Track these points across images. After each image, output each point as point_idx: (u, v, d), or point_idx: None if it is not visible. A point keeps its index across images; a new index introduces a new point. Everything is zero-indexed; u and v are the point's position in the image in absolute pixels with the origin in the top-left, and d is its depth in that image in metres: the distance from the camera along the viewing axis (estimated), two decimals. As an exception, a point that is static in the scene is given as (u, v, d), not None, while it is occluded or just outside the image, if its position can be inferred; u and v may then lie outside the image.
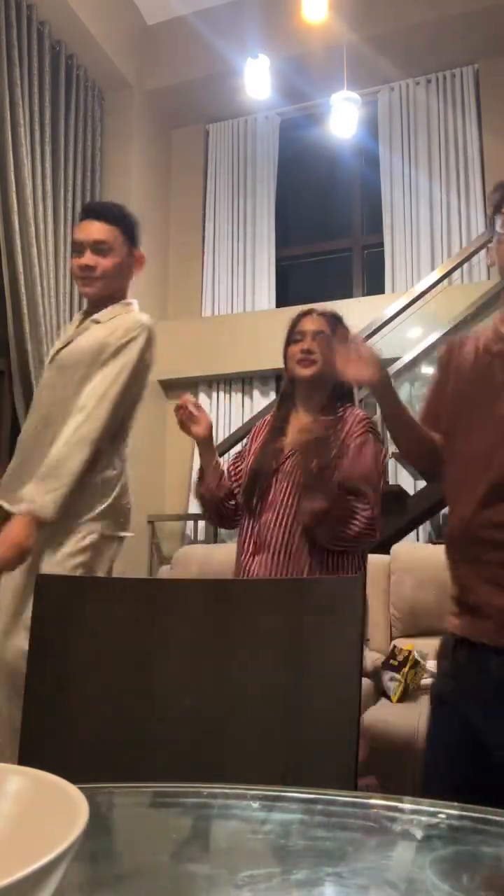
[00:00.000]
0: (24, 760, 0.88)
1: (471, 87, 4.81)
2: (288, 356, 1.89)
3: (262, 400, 4.85)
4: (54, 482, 1.69)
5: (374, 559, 3.24)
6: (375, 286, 4.95)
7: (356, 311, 4.54)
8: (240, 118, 5.31)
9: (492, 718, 1.19)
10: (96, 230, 1.87)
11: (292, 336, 1.89)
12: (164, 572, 3.66)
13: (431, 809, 0.65)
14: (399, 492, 3.89)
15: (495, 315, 1.41)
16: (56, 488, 1.69)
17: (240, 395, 4.90)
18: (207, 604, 0.99)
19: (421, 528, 4.19)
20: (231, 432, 4.60)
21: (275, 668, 0.92)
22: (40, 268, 4.03)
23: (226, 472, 1.93)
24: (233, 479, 1.92)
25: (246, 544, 1.78)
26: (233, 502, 1.89)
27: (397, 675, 2.63)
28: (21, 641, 1.56)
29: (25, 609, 1.58)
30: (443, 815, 0.65)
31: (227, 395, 4.96)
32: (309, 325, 1.87)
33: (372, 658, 2.76)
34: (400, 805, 0.68)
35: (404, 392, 4.54)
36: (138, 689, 0.95)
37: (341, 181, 5.33)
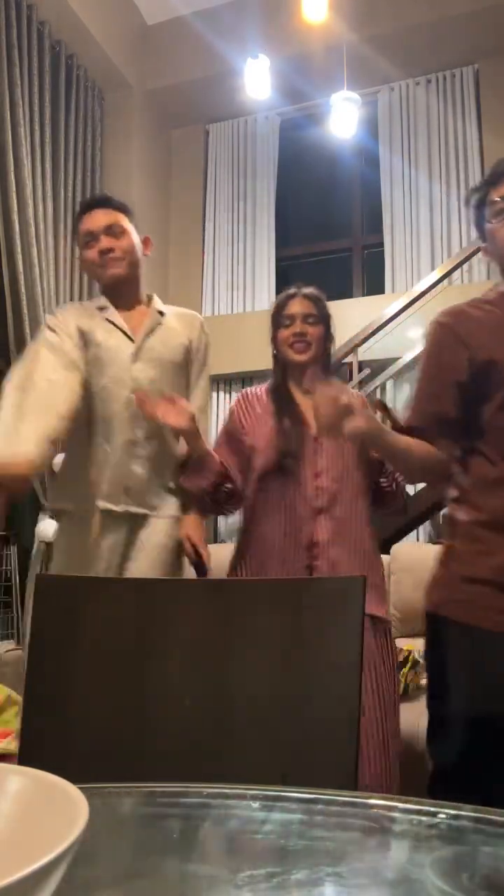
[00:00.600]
0: (24, 760, 0.88)
1: (471, 87, 4.82)
2: (278, 341, 1.87)
3: (262, 400, 4.85)
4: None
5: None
6: (375, 286, 4.96)
7: (356, 311, 4.55)
8: (240, 118, 5.31)
9: None
10: (104, 216, 1.86)
11: (280, 320, 1.86)
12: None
13: (431, 809, 0.65)
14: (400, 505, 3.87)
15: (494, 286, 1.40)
16: None
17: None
18: (207, 604, 0.99)
19: (421, 528, 4.19)
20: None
21: (275, 668, 0.92)
22: (40, 268, 4.03)
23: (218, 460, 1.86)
24: (231, 469, 1.84)
25: (298, 509, 1.74)
26: (228, 486, 1.82)
27: (397, 676, 2.63)
28: None
29: None
30: (443, 815, 0.65)
31: (227, 395, 4.96)
32: (297, 307, 1.85)
33: (372, 658, 2.76)
34: (400, 805, 0.68)
35: (405, 393, 4.54)
36: (138, 689, 0.95)
37: (341, 181, 5.33)
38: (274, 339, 1.89)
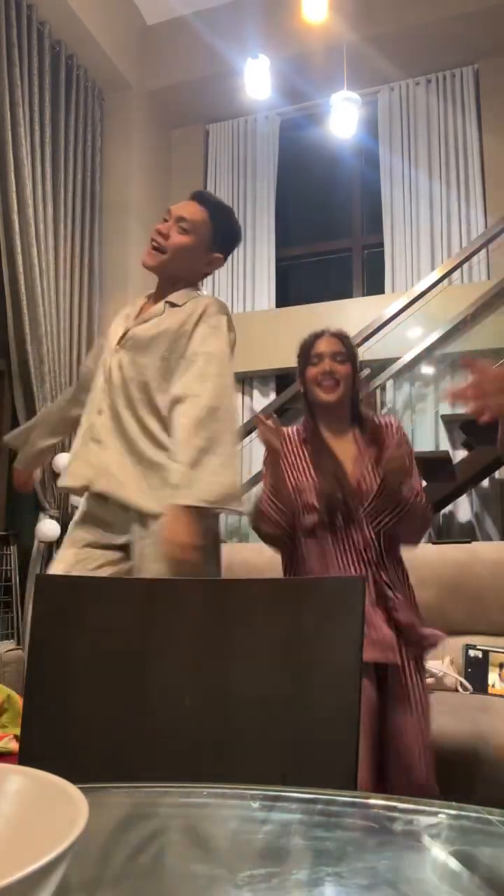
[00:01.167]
0: (24, 760, 0.88)
1: (471, 87, 4.82)
2: (307, 379, 1.87)
3: (262, 400, 4.85)
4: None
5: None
6: (375, 286, 4.96)
7: (356, 311, 4.55)
8: (240, 118, 5.31)
9: None
10: (187, 208, 1.82)
11: (309, 359, 1.86)
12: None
13: (431, 809, 0.65)
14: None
15: None
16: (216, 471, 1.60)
17: (239, 395, 4.90)
18: (207, 604, 0.99)
19: (421, 528, 4.18)
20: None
21: (275, 669, 0.92)
22: (40, 268, 4.03)
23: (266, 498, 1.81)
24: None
25: (338, 563, 1.72)
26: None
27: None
28: None
29: None
30: (443, 815, 0.65)
31: (227, 395, 4.96)
32: (325, 346, 1.85)
33: (372, 658, 2.75)
34: (400, 805, 0.68)
35: (404, 392, 4.54)
36: (138, 689, 0.95)
37: (341, 181, 5.33)
38: (302, 378, 1.89)
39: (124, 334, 1.82)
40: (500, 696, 2.59)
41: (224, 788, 0.71)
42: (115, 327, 1.87)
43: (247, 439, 4.56)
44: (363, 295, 5.09)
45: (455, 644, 2.88)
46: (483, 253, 4.46)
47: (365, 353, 4.31)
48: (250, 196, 5.23)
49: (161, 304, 1.82)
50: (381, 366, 4.37)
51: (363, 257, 5.24)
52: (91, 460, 1.74)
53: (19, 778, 0.41)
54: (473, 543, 3.17)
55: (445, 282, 4.21)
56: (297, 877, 0.52)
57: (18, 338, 3.90)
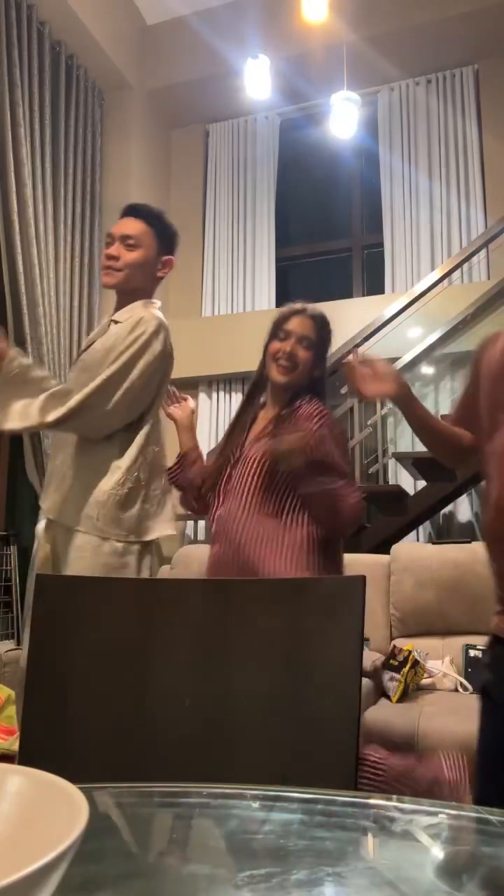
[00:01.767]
0: (24, 760, 0.88)
1: (471, 87, 4.82)
2: (268, 352, 1.85)
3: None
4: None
5: (374, 559, 3.25)
6: (375, 286, 4.96)
7: (356, 311, 4.55)
8: (240, 118, 5.31)
9: None
10: (127, 225, 1.94)
11: (277, 332, 1.84)
12: (165, 572, 3.66)
13: (431, 809, 0.65)
14: (399, 492, 3.89)
15: None
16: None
17: (240, 395, 4.90)
18: (207, 604, 0.99)
19: (421, 528, 4.19)
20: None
21: (275, 668, 0.92)
22: (40, 268, 4.03)
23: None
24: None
25: (213, 532, 1.83)
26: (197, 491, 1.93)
27: (397, 675, 2.64)
28: None
29: None
30: (443, 815, 0.65)
31: (227, 395, 4.96)
32: (297, 326, 1.82)
33: (372, 658, 2.76)
34: (400, 805, 0.68)
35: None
36: (138, 688, 0.95)
37: (341, 181, 5.33)
38: (265, 348, 1.87)
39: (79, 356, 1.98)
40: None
41: (224, 788, 0.71)
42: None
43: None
44: (363, 295, 5.09)
45: (455, 644, 2.89)
46: (483, 253, 4.46)
47: (365, 353, 4.32)
48: (250, 196, 5.23)
49: (106, 324, 1.96)
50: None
51: (363, 257, 5.24)
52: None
53: (19, 778, 0.41)
54: (473, 543, 3.17)
55: (445, 282, 4.21)
56: (297, 877, 0.52)
57: (18, 338, 3.90)
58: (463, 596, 2.89)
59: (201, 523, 4.68)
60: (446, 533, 4.27)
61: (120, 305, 1.98)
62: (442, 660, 2.81)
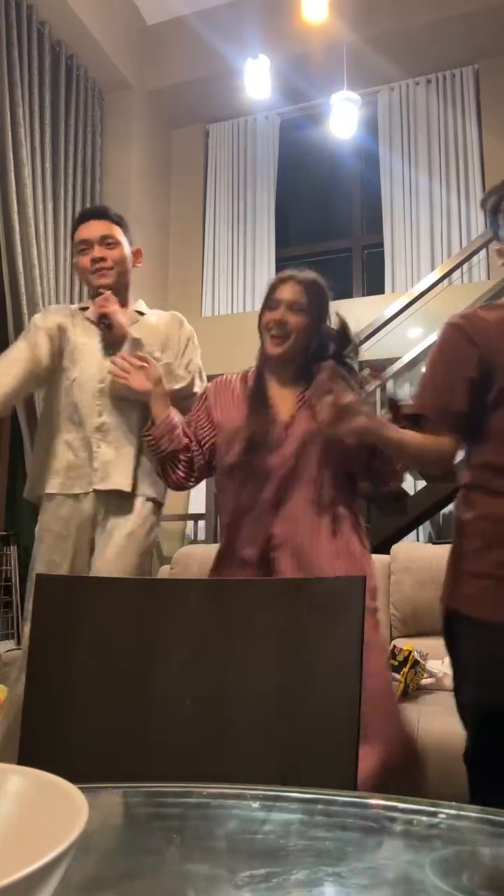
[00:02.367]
0: (24, 760, 0.88)
1: (471, 87, 4.82)
2: (261, 325, 1.78)
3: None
4: None
5: (374, 559, 3.24)
6: (375, 286, 4.96)
7: (356, 311, 4.54)
8: (240, 118, 5.31)
9: None
10: (100, 227, 2.01)
11: (268, 302, 1.77)
12: (164, 572, 3.66)
13: (431, 809, 0.65)
14: (399, 492, 3.89)
15: None
16: None
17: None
18: (207, 604, 0.99)
19: (421, 528, 4.19)
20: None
21: (275, 668, 0.92)
22: (40, 268, 4.03)
23: (181, 429, 1.81)
24: (193, 440, 1.81)
25: (258, 502, 1.67)
26: (186, 457, 1.80)
27: (397, 675, 2.63)
28: None
29: None
30: (443, 815, 0.65)
31: (227, 395, 4.96)
32: (286, 293, 1.74)
33: (372, 658, 2.76)
34: (400, 805, 0.68)
35: (405, 392, 4.54)
36: (138, 689, 0.95)
37: (341, 181, 5.33)
38: (258, 322, 1.80)
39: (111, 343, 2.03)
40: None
41: (224, 788, 0.71)
42: (84, 334, 2.03)
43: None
44: (363, 295, 5.10)
45: (455, 644, 2.88)
46: (483, 253, 4.46)
47: (365, 353, 4.32)
48: (250, 196, 5.23)
49: (132, 314, 2.07)
50: (381, 366, 4.37)
51: (363, 257, 5.24)
52: (103, 459, 1.97)
53: (19, 778, 0.41)
54: (473, 543, 3.16)
55: (445, 282, 4.21)
56: (297, 877, 0.52)
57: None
58: (463, 596, 2.88)
59: (201, 524, 4.68)
60: (446, 533, 4.27)
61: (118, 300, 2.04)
62: (442, 660, 2.81)
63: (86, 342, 2.01)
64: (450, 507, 4.18)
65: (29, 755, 0.91)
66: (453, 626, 1.38)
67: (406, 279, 4.70)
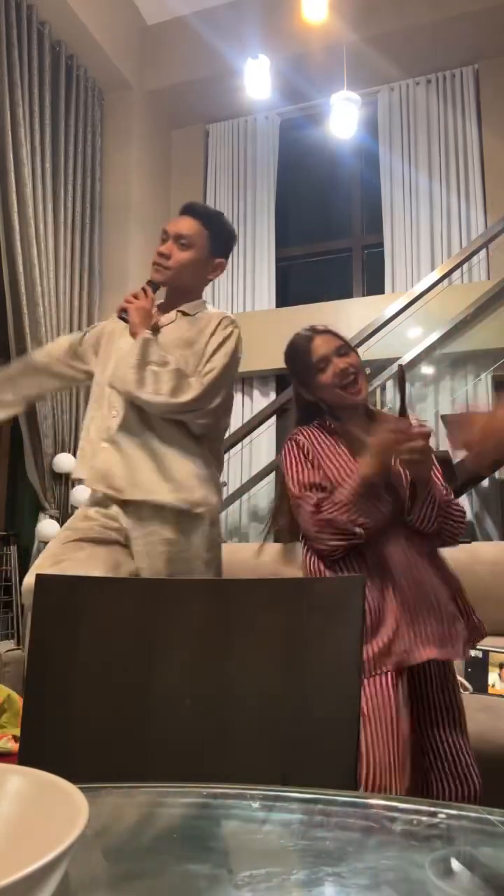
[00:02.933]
0: (24, 760, 0.88)
1: (471, 87, 4.82)
2: (324, 387, 1.65)
3: (262, 400, 4.85)
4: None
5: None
6: (375, 286, 4.96)
7: (356, 311, 4.55)
8: (240, 118, 5.31)
9: None
10: (183, 224, 1.91)
11: (316, 365, 1.66)
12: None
13: (431, 809, 0.65)
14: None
15: None
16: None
17: (240, 394, 4.91)
18: (207, 604, 0.99)
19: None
20: (231, 432, 4.60)
21: (275, 668, 0.92)
22: (40, 268, 4.03)
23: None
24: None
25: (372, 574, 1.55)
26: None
27: (397, 675, 2.63)
28: None
29: None
30: (443, 815, 0.65)
31: (227, 395, 4.96)
32: (325, 346, 1.66)
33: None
34: (400, 805, 0.68)
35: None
36: (138, 689, 0.95)
37: (341, 181, 5.33)
38: (312, 388, 1.68)
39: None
40: (500, 696, 2.58)
41: (224, 788, 0.71)
42: (120, 336, 1.93)
43: (246, 439, 4.56)
44: (363, 295, 5.10)
45: (455, 644, 2.88)
46: (483, 253, 4.46)
47: (365, 353, 4.32)
48: (250, 196, 5.23)
49: (173, 313, 1.93)
50: (381, 366, 4.38)
51: (363, 257, 5.24)
52: (108, 460, 1.84)
53: (19, 778, 0.41)
54: (473, 543, 3.16)
55: (445, 282, 4.21)
56: (297, 877, 0.52)
57: (18, 338, 3.91)
58: (463, 596, 2.88)
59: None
60: (446, 533, 4.26)
61: (169, 301, 1.97)
62: (442, 660, 2.81)
63: (118, 341, 1.93)
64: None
65: (29, 755, 0.91)
66: None
67: (406, 279, 4.70)
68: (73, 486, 4.04)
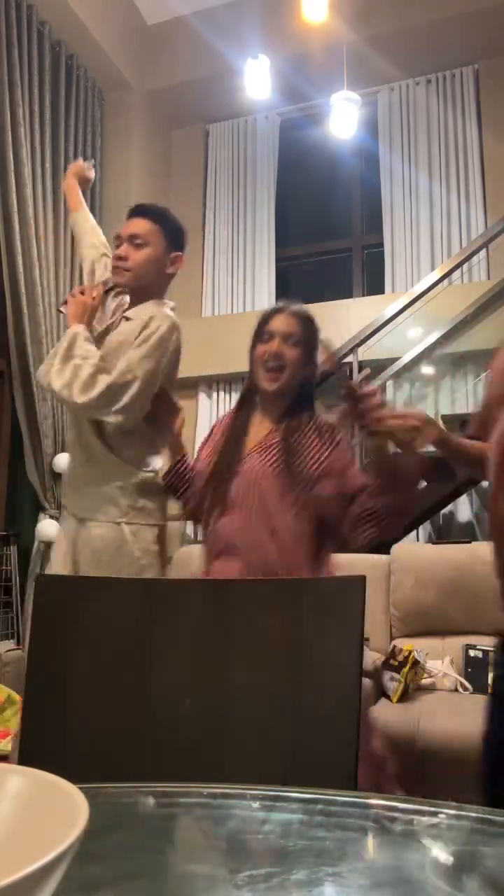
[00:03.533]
0: (24, 760, 0.88)
1: (471, 87, 4.82)
2: (253, 357, 1.73)
3: (262, 400, 4.85)
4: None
5: (374, 559, 3.24)
6: (375, 286, 4.96)
7: (356, 311, 4.55)
8: (240, 118, 5.31)
9: None
10: (135, 225, 1.97)
11: (260, 334, 1.72)
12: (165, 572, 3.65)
13: (431, 809, 0.65)
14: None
15: None
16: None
17: (239, 394, 4.91)
18: (207, 604, 0.99)
19: (421, 528, 4.19)
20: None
21: (275, 668, 0.92)
22: (40, 268, 4.03)
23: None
24: (190, 472, 1.87)
25: (209, 547, 1.69)
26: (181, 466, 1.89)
27: (397, 675, 2.64)
28: None
29: None
30: (443, 815, 0.65)
31: (227, 395, 4.96)
32: (279, 324, 1.70)
33: (372, 658, 2.76)
34: (400, 805, 0.68)
35: (404, 392, 4.54)
36: (138, 689, 0.95)
37: (341, 181, 5.33)
38: (250, 355, 1.75)
39: None
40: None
41: (224, 788, 0.71)
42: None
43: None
44: (363, 295, 5.09)
45: (455, 644, 2.88)
46: (483, 253, 4.46)
47: (365, 353, 4.32)
48: (250, 196, 5.23)
49: (118, 318, 1.99)
50: (381, 366, 4.38)
51: (363, 257, 5.24)
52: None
53: (19, 778, 0.41)
54: (473, 543, 3.17)
55: (445, 282, 4.21)
56: (297, 877, 0.52)
57: (18, 338, 3.90)
58: (463, 596, 2.89)
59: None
60: (446, 533, 4.27)
61: (133, 304, 2.00)
62: (442, 660, 2.81)
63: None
64: (450, 507, 4.18)
65: (29, 755, 0.91)
66: None
67: (406, 279, 4.70)
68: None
